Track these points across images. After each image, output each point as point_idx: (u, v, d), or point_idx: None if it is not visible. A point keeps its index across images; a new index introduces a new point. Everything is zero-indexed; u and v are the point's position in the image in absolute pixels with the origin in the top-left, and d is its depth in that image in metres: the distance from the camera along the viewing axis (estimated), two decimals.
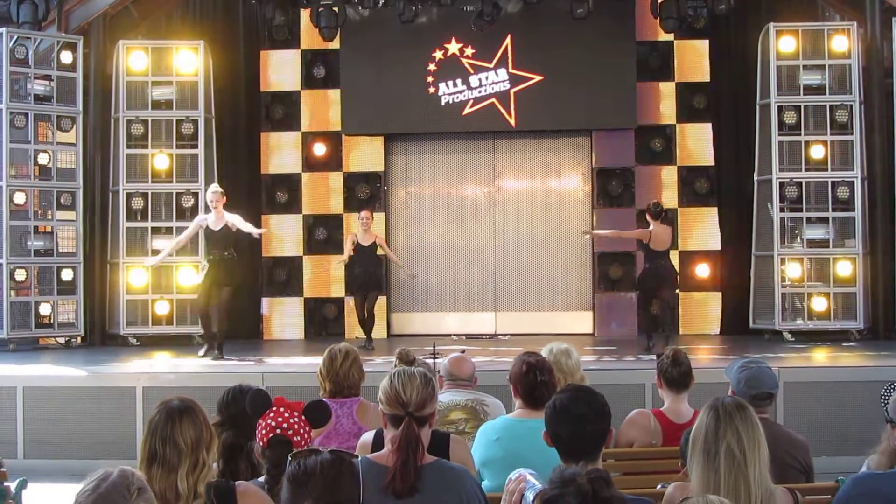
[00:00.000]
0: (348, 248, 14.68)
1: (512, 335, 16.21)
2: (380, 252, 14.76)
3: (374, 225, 15.01)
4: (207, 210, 13.66)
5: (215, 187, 13.40)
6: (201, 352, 13.38)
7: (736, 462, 3.89)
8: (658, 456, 6.01)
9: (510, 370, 5.73)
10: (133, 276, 15.31)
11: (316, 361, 6.60)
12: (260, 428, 4.18)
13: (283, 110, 17.08)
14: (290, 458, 3.10)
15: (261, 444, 4.20)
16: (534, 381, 5.47)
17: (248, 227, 13.29)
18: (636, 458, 6.19)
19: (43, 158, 14.90)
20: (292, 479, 3.01)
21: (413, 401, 4.23)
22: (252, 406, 4.31)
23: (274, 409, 4.18)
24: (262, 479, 4.29)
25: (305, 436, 4.19)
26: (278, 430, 4.13)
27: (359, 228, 14.64)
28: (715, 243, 16.50)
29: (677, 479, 4.47)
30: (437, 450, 4.49)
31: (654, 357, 9.10)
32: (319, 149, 16.98)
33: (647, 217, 13.69)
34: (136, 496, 3.11)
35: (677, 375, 6.27)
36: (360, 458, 4.29)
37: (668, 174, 16.65)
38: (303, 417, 4.21)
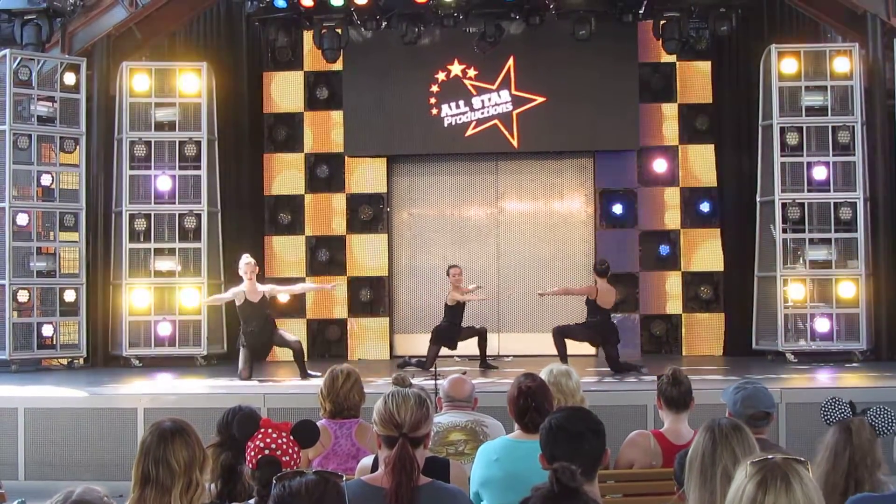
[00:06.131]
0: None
1: (515, 356, 16.16)
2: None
3: (376, 246, 14.98)
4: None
5: (247, 258, 13.27)
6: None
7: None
8: (658, 477, 5.98)
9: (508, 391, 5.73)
10: (135, 297, 15.31)
11: (317, 382, 6.60)
12: (248, 450, 4.18)
13: (286, 132, 17.12)
14: (275, 481, 3.09)
15: (250, 465, 4.20)
16: (524, 406, 5.44)
17: (287, 288, 13.46)
18: (636, 480, 6.17)
19: (46, 180, 14.93)
20: (278, 502, 3.01)
21: (407, 422, 4.22)
22: (239, 429, 4.30)
23: (262, 430, 4.19)
24: (252, 501, 4.28)
25: (294, 455, 4.19)
26: (266, 451, 4.14)
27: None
28: (717, 264, 16.50)
29: (673, 501, 4.45)
30: (437, 476, 4.47)
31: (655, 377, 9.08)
32: (322, 170, 17.01)
33: (594, 275, 14.08)
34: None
35: (677, 395, 6.26)
36: (352, 480, 4.28)
37: (671, 196, 16.65)
38: (291, 437, 4.22)
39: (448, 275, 14.59)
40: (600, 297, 13.77)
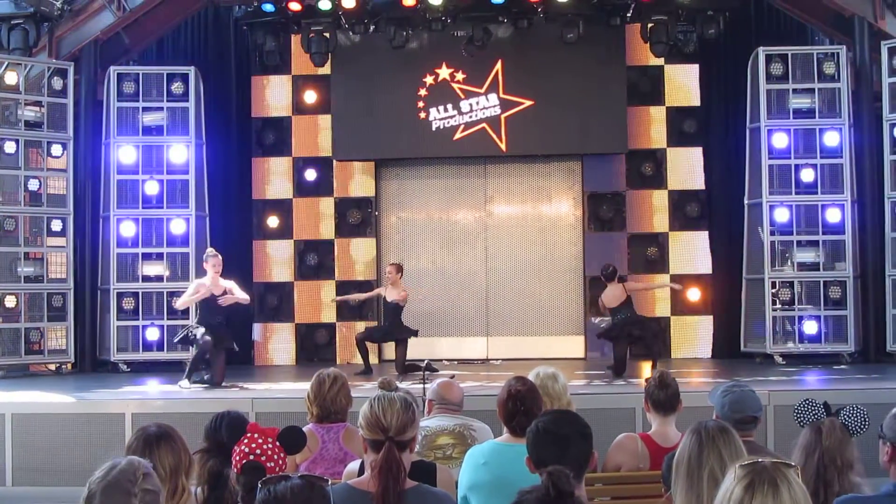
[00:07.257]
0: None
1: (503, 360, 16.18)
2: None
3: (364, 250, 14.98)
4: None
5: (213, 251, 13.31)
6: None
7: (719, 486, 3.86)
8: (645, 480, 5.98)
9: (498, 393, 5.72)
10: (123, 301, 15.25)
11: (306, 387, 6.57)
12: (234, 454, 4.18)
13: (275, 136, 17.11)
14: (260, 485, 3.08)
15: (235, 470, 4.20)
16: (513, 409, 5.43)
17: (242, 295, 13.32)
18: (623, 483, 6.17)
19: (33, 185, 14.87)
20: None
21: (393, 425, 4.22)
22: (227, 433, 4.29)
23: (248, 435, 4.18)
24: None
25: (279, 461, 4.18)
26: (251, 457, 4.13)
27: None
28: (706, 267, 16.52)
29: None
30: (424, 480, 4.47)
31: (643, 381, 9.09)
32: (310, 174, 17.00)
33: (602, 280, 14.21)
34: (141, 480, 3.21)
35: (664, 398, 6.25)
36: (338, 484, 4.27)
37: (659, 198, 16.67)
38: (276, 443, 4.21)
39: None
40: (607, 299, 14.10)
